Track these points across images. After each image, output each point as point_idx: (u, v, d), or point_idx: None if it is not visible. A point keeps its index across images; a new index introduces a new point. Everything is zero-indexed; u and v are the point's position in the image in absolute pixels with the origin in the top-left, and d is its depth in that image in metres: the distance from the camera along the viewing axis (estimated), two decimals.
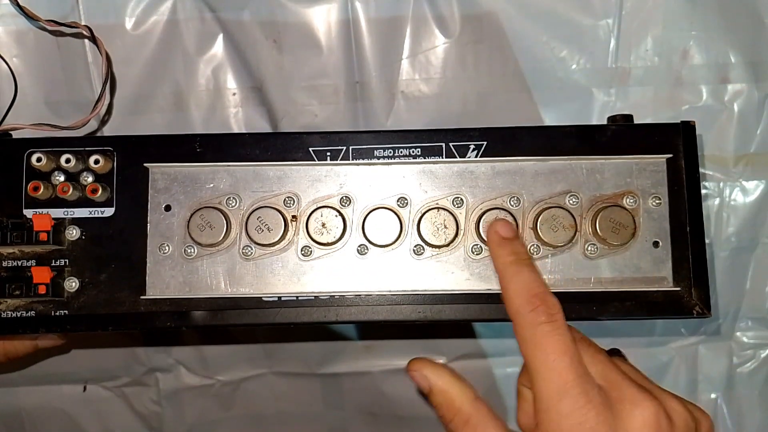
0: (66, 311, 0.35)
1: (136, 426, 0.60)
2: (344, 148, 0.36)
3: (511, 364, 0.57)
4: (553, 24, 0.50)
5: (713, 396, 0.57)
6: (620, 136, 0.36)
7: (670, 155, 0.35)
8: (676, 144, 0.36)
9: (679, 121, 0.36)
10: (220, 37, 0.50)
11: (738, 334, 0.57)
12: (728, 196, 0.53)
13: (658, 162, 0.35)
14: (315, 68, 0.50)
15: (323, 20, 0.49)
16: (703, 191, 0.53)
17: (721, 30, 0.50)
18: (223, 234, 0.35)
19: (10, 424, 0.60)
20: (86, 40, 0.48)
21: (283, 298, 0.35)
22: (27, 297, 0.35)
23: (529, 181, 0.36)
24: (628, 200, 0.35)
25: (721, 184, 0.53)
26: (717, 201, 0.54)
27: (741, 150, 0.52)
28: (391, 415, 0.59)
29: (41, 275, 0.35)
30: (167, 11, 0.49)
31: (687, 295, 0.34)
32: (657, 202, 0.35)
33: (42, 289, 0.35)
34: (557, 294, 0.33)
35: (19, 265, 0.35)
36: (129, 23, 0.49)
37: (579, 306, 0.34)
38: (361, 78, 0.50)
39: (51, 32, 0.48)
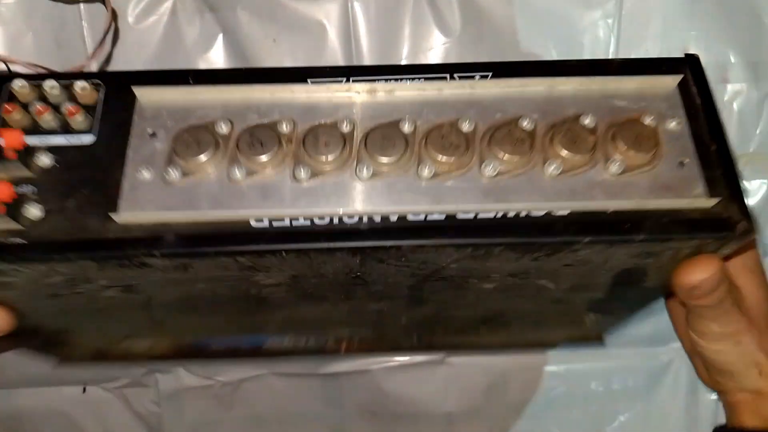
0: (23, 240, 0.29)
1: (136, 427, 0.60)
2: (345, 78, 0.32)
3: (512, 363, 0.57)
4: (553, 24, 0.50)
5: (713, 397, 0.57)
6: (628, 66, 0.32)
7: (682, 76, 0.32)
8: (685, 72, 0.32)
9: (683, 55, 0.33)
10: (220, 37, 0.50)
11: None
12: None
13: (670, 87, 0.32)
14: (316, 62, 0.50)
15: (323, 20, 0.49)
16: None
17: (720, 30, 0.50)
18: (210, 153, 0.30)
19: (9, 426, 0.60)
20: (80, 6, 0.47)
21: (274, 224, 0.29)
22: None
23: (540, 105, 0.32)
24: (646, 119, 0.31)
25: None
26: None
27: (740, 150, 0.52)
28: (390, 413, 0.59)
29: (1, 192, 0.29)
30: (167, 11, 0.49)
31: (725, 211, 0.29)
32: (676, 122, 0.32)
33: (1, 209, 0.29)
34: (584, 213, 0.29)
35: None
36: (129, 23, 0.49)
37: (609, 226, 0.29)
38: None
39: None
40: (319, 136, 0.30)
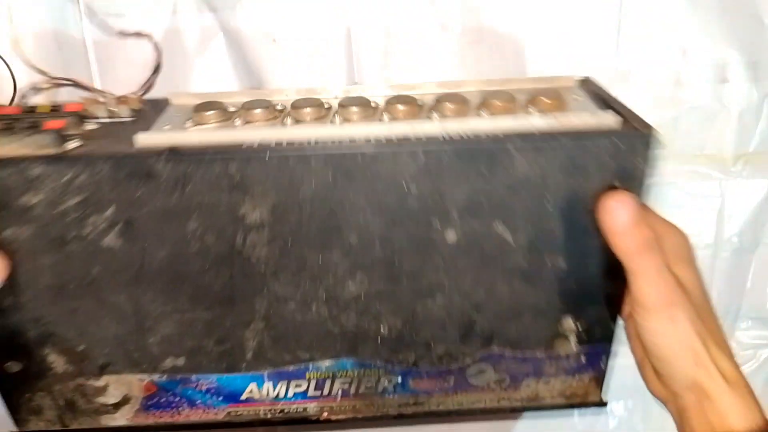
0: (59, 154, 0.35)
1: None
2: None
3: None
4: (553, 24, 0.50)
5: None
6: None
7: (585, 76, 0.42)
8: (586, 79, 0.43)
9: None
10: (220, 37, 0.50)
11: (738, 334, 0.57)
12: (729, 197, 0.54)
13: (574, 82, 0.42)
14: (315, 68, 0.50)
15: (323, 20, 0.49)
16: (704, 191, 0.53)
17: (721, 30, 0.50)
18: (219, 113, 0.38)
19: None
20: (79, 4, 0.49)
21: (261, 144, 0.35)
22: (30, 136, 0.35)
23: (475, 95, 0.41)
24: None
25: (722, 184, 0.53)
26: (718, 201, 0.54)
27: (740, 149, 0.53)
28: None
29: (54, 124, 0.36)
30: (167, 11, 0.49)
31: (631, 127, 0.35)
32: (580, 97, 0.40)
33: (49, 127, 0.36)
34: (517, 133, 0.35)
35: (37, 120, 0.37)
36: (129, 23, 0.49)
37: (537, 136, 0.35)
38: (360, 79, 0.51)
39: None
40: (304, 101, 0.39)
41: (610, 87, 0.50)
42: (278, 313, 0.39)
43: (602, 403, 0.44)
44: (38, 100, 0.46)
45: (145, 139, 0.35)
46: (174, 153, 0.34)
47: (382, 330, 0.40)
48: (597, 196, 0.35)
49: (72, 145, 0.36)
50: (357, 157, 0.35)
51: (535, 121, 0.36)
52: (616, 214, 0.34)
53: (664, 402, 0.39)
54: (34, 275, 0.37)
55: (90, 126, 0.39)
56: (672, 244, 0.38)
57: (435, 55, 0.50)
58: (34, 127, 0.36)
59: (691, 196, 0.54)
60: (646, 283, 0.35)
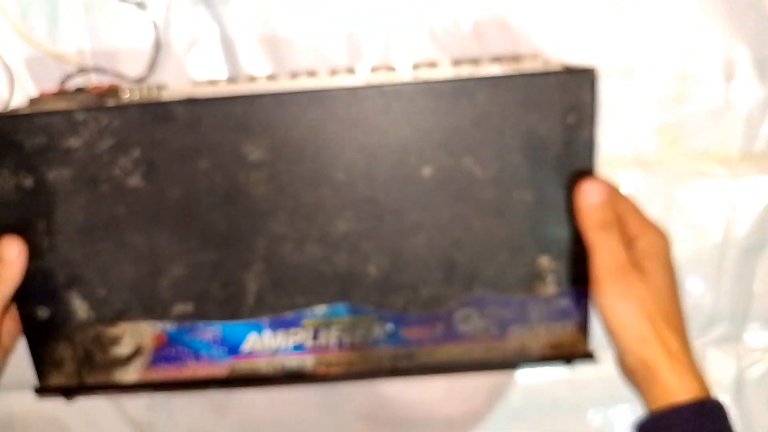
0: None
1: None
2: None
3: None
4: (555, 24, 0.50)
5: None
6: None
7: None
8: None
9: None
10: (215, 31, 0.50)
11: (746, 336, 0.56)
12: (736, 196, 0.53)
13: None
14: (314, 64, 0.50)
15: (322, 15, 0.49)
16: (710, 190, 0.53)
17: (726, 26, 0.50)
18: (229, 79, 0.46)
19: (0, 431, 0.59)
20: None
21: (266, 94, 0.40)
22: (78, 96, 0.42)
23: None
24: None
25: (729, 184, 0.53)
26: (724, 201, 0.53)
27: (746, 148, 0.52)
28: (391, 418, 0.58)
29: (97, 90, 0.43)
30: (162, 5, 0.49)
31: (575, 69, 0.40)
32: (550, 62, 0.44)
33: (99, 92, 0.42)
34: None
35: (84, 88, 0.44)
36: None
37: (483, 77, 0.39)
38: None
39: None
40: (299, 72, 0.45)
41: (615, 83, 0.50)
42: (276, 253, 0.42)
43: (589, 355, 0.44)
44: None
45: (168, 94, 0.41)
46: (191, 101, 0.39)
47: (371, 271, 0.42)
48: (574, 180, 0.40)
49: (110, 103, 0.40)
50: (339, 95, 0.39)
51: (492, 69, 0.40)
52: (585, 195, 0.39)
53: (631, 386, 0.41)
54: (68, 217, 0.41)
55: (124, 96, 0.43)
56: (647, 242, 0.41)
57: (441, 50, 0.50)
58: (82, 92, 0.43)
59: (697, 195, 0.53)
60: (599, 257, 0.39)
